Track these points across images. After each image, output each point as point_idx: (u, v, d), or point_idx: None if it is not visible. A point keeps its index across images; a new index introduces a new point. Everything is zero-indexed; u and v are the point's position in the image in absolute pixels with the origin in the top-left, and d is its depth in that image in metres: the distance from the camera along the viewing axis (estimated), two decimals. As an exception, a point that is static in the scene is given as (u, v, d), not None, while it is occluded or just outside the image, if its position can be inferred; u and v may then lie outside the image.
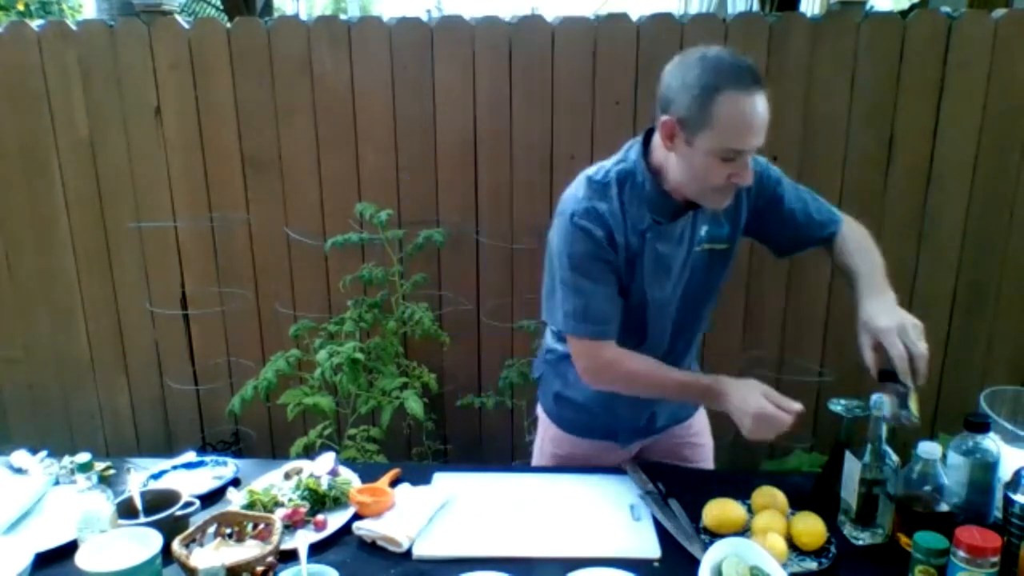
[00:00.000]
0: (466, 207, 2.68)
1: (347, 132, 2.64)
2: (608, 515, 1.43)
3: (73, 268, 2.84)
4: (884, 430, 1.31)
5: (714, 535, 1.33)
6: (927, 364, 1.25)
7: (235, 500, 1.40)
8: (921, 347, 1.25)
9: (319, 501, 1.42)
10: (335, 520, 1.38)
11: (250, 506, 1.38)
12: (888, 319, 1.30)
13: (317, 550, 1.30)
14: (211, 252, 2.79)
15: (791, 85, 2.46)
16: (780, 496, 1.40)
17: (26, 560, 1.20)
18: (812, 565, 1.25)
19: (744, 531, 1.34)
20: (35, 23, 2.65)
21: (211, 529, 1.25)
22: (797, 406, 1.31)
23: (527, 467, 1.78)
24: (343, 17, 2.72)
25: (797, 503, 1.40)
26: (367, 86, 2.60)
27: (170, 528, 1.23)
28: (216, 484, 1.53)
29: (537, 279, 2.68)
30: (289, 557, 1.21)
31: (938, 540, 1.17)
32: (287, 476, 1.52)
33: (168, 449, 2.93)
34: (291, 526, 1.34)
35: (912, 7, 3.94)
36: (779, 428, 1.31)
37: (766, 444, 1.44)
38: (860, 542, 1.33)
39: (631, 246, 1.41)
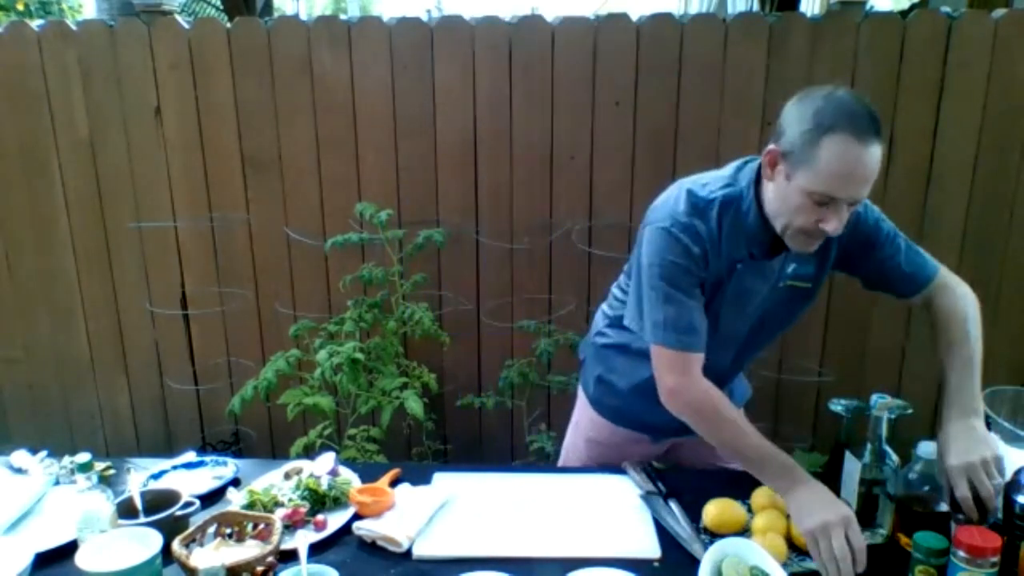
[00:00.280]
0: (466, 207, 2.68)
1: (347, 132, 2.64)
2: (608, 515, 1.43)
3: (73, 268, 2.84)
4: (884, 430, 1.31)
5: (714, 535, 1.33)
6: (995, 501, 1.21)
7: (235, 500, 1.40)
8: (988, 487, 1.20)
9: (319, 501, 1.42)
10: (335, 520, 1.38)
11: (250, 506, 1.38)
12: (958, 456, 1.23)
13: (317, 550, 1.30)
14: (211, 252, 2.79)
15: (791, 85, 2.44)
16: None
17: (26, 560, 1.20)
18: (812, 565, 1.25)
19: (744, 531, 1.34)
20: (35, 23, 2.65)
21: (211, 529, 1.25)
22: (860, 561, 1.16)
23: (527, 467, 1.78)
24: (343, 17, 2.71)
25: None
26: (367, 86, 2.60)
27: (170, 528, 1.23)
28: (216, 484, 1.53)
29: (536, 279, 2.71)
30: (289, 557, 1.21)
31: (938, 540, 1.17)
32: (287, 476, 1.52)
33: (168, 449, 2.92)
34: (291, 526, 1.34)
35: (912, 7, 3.94)
36: (836, 558, 1.16)
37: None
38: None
39: (720, 272, 1.38)
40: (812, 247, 1.33)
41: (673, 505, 1.42)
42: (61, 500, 1.45)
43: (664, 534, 1.36)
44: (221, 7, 5.77)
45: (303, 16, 4.74)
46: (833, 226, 1.24)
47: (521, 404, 2.72)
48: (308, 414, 2.38)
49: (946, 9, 2.44)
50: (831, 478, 1.40)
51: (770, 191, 1.32)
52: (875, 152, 1.20)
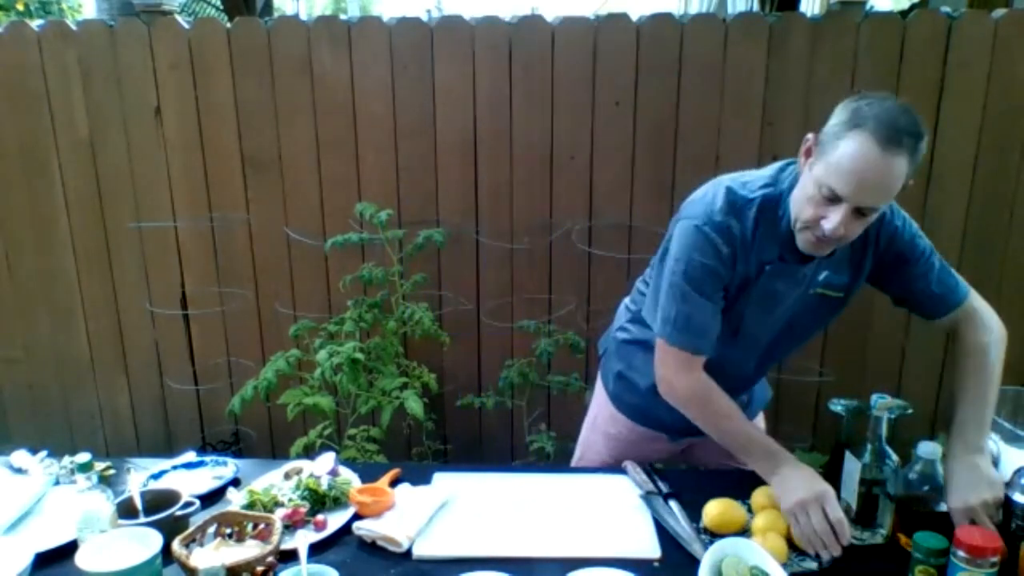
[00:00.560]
0: (466, 207, 2.68)
1: (347, 132, 2.64)
2: (608, 515, 1.43)
3: (73, 268, 2.84)
4: (884, 430, 1.31)
5: (714, 535, 1.33)
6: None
7: (235, 500, 1.40)
8: (990, 527, 1.20)
9: (319, 501, 1.42)
10: (335, 520, 1.38)
11: (250, 506, 1.38)
12: (959, 497, 1.24)
13: (317, 550, 1.30)
14: (211, 252, 2.79)
15: (791, 85, 2.46)
16: (780, 496, 1.39)
17: (26, 560, 1.20)
18: (812, 565, 1.25)
19: (744, 531, 1.34)
20: (35, 23, 2.65)
21: (211, 529, 1.25)
22: (844, 539, 1.22)
23: (527, 467, 1.78)
24: (343, 17, 2.71)
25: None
26: (367, 86, 2.60)
27: (170, 528, 1.23)
28: (216, 484, 1.53)
29: (536, 279, 2.71)
30: (289, 557, 1.21)
31: (938, 540, 1.17)
32: (287, 476, 1.52)
33: (168, 449, 2.93)
34: (291, 526, 1.34)
35: (912, 7, 3.94)
36: (814, 536, 1.22)
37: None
38: (860, 542, 1.33)
39: (748, 273, 1.36)
40: (820, 250, 1.30)
41: (673, 505, 1.42)
42: (61, 500, 1.45)
43: (664, 534, 1.36)
44: (221, 7, 5.77)
45: (303, 16, 4.74)
46: (831, 225, 1.21)
47: (521, 404, 2.72)
48: (308, 414, 2.38)
49: (946, 9, 2.44)
50: (831, 478, 1.40)
51: (800, 183, 1.29)
52: (894, 163, 1.16)
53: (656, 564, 1.28)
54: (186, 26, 2.60)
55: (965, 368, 1.38)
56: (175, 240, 2.79)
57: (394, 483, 1.53)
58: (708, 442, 1.64)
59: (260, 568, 1.15)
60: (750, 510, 1.40)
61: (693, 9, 9.12)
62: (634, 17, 2.50)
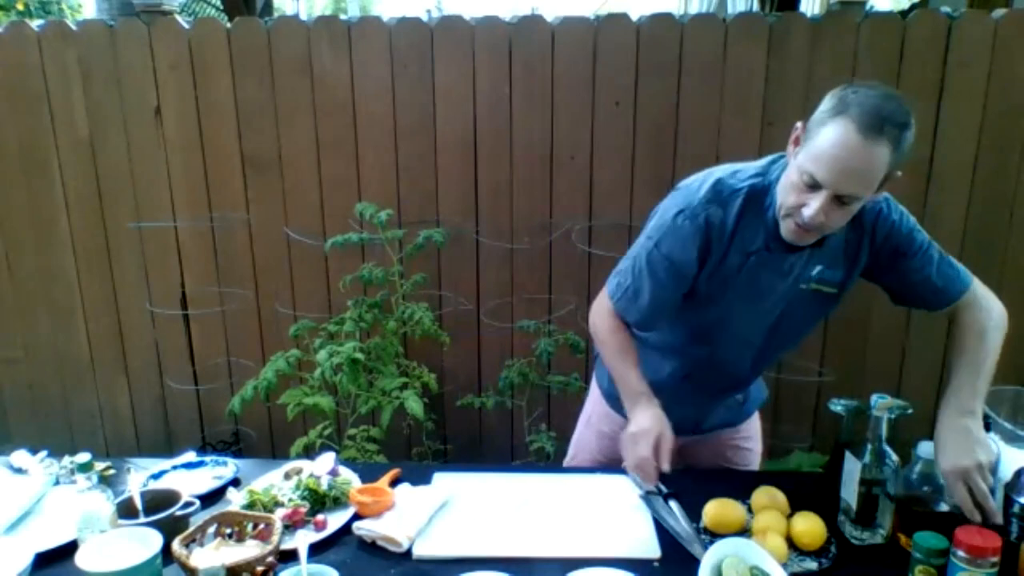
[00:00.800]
0: (466, 207, 2.68)
1: (347, 132, 2.64)
2: (608, 515, 1.43)
3: (73, 268, 2.84)
4: (884, 430, 1.31)
5: (714, 535, 1.33)
6: (991, 502, 1.21)
7: (235, 500, 1.40)
8: (983, 489, 1.20)
9: (319, 501, 1.42)
10: (335, 520, 1.38)
11: (250, 506, 1.38)
12: (950, 460, 1.23)
13: (317, 550, 1.30)
14: (211, 252, 2.79)
15: (791, 85, 2.46)
16: (780, 496, 1.40)
17: (26, 560, 1.20)
18: (812, 565, 1.25)
19: (744, 531, 1.34)
20: (35, 23, 2.65)
21: (211, 529, 1.25)
22: (663, 467, 1.33)
23: (527, 467, 1.78)
24: (343, 17, 2.71)
25: (797, 503, 1.40)
26: (367, 86, 2.60)
27: (170, 528, 1.23)
28: (216, 484, 1.53)
29: (536, 279, 2.71)
30: (289, 557, 1.21)
31: (938, 540, 1.17)
32: (287, 476, 1.52)
33: (168, 449, 2.93)
34: (291, 526, 1.34)
35: (912, 7, 3.94)
36: (638, 464, 1.36)
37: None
38: (860, 542, 1.33)
39: (730, 263, 1.36)
40: (802, 239, 1.30)
41: (673, 505, 1.42)
42: (61, 500, 1.45)
43: (664, 534, 1.36)
44: (221, 7, 5.77)
45: (303, 16, 4.74)
46: (810, 212, 1.21)
47: (521, 404, 2.72)
48: (308, 414, 2.38)
49: (946, 9, 2.44)
50: (831, 478, 1.40)
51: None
52: (874, 151, 1.15)
53: (656, 564, 1.28)
54: (186, 26, 2.60)
55: (964, 343, 1.38)
56: (175, 240, 2.79)
57: (394, 483, 1.53)
58: (701, 442, 1.66)
59: (260, 568, 1.16)
60: (750, 510, 1.40)
61: (693, 9, 9.13)
62: (634, 17, 2.50)
